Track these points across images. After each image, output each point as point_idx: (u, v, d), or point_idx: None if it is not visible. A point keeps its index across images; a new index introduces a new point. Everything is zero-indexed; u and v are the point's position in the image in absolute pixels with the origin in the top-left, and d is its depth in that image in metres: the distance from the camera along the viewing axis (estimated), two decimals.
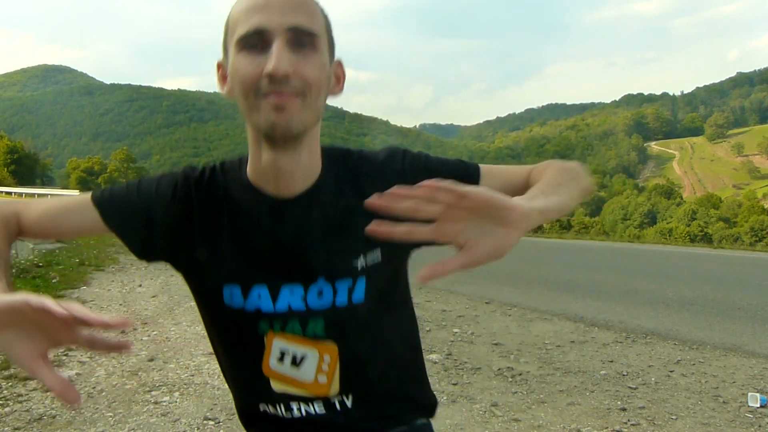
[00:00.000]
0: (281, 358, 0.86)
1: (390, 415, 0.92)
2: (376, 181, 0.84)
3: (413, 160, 0.90)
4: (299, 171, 0.82)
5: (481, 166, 0.96)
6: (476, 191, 0.61)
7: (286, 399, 0.88)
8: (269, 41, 0.73)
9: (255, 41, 0.73)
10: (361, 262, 0.85)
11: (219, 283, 0.86)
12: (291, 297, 0.84)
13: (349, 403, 0.89)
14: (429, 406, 0.98)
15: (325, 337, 0.85)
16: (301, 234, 0.84)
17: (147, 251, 0.92)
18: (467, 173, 0.93)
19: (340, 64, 0.85)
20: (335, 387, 0.87)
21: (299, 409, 0.88)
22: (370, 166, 0.88)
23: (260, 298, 0.84)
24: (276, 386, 0.87)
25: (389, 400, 0.92)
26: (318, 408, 0.88)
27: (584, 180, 0.88)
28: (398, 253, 0.89)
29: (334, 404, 0.88)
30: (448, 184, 0.60)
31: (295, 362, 0.86)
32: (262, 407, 0.90)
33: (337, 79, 0.84)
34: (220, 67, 0.83)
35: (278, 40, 0.73)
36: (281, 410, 0.88)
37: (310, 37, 0.75)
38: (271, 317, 0.84)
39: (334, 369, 0.86)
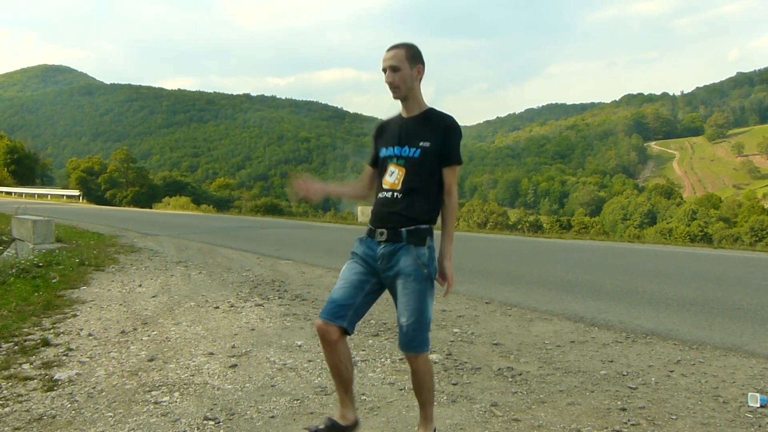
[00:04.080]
0: (388, 174, 2.40)
1: (410, 212, 2.34)
2: (438, 126, 2.37)
3: (451, 133, 2.38)
4: (410, 109, 2.43)
5: (452, 169, 2.40)
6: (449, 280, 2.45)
7: (385, 190, 2.39)
8: (386, 71, 2.36)
9: (384, 70, 2.37)
10: (422, 144, 2.34)
11: (381, 147, 2.47)
12: (398, 149, 2.38)
13: (398, 196, 2.35)
14: (429, 224, 2.38)
15: (403, 166, 2.36)
16: (409, 130, 2.40)
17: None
18: (449, 160, 2.40)
19: (419, 68, 2.38)
20: (399, 186, 2.35)
21: (384, 194, 2.39)
22: (437, 117, 2.40)
23: (388, 150, 2.42)
24: (384, 185, 2.41)
25: (411, 203, 2.34)
26: (391, 195, 2.37)
27: (456, 212, 2.44)
28: (433, 155, 2.35)
29: (394, 195, 2.36)
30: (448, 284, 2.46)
31: (392, 175, 2.38)
32: (379, 195, 2.42)
33: (417, 72, 2.37)
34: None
35: (388, 71, 2.35)
36: (380, 194, 2.42)
37: (396, 68, 2.34)
38: (390, 157, 2.40)
39: (401, 178, 2.36)
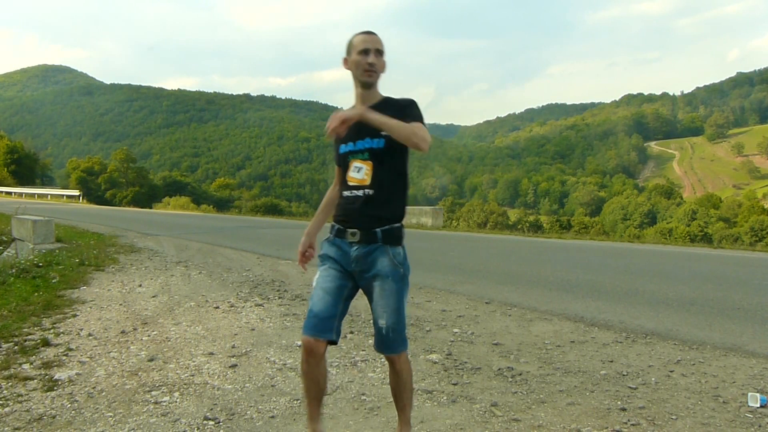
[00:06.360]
0: (353, 170, 2.25)
1: (384, 211, 2.23)
2: (395, 109, 2.19)
3: (411, 106, 2.24)
4: (371, 99, 2.26)
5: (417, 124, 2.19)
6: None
7: (350, 188, 2.25)
8: (370, 51, 2.22)
9: (366, 51, 2.22)
10: (382, 132, 2.16)
11: (339, 143, 2.30)
12: (360, 143, 2.24)
13: (370, 193, 2.21)
14: (398, 223, 2.28)
15: (368, 159, 2.23)
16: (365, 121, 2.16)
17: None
18: (413, 117, 2.20)
19: (385, 61, 2.29)
20: (368, 182, 2.22)
21: (352, 192, 2.25)
22: (395, 102, 2.27)
23: (347, 145, 2.27)
24: (350, 182, 2.26)
25: (385, 202, 2.23)
26: (362, 193, 2.22)
27: (418, 138, 2.13)
28: (397, 143, 2.17)
29: (365, 192, 2.22)
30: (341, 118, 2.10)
31: (359, 171, 2.24)
32: (344, 193, 2.28)
33: (383, 65, 2.29)
34: (346, 60, 2.27)
35: (372, 52, 2.22)
36: (348, 192, 2.26)
37: (381, 53, 2.26)
38: (353, 152, 2.26)
39: (370, 173, 2.22)
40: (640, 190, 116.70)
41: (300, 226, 17.99)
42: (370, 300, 2.28)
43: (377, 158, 2.22)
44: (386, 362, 3.82)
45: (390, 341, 2.26)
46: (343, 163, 2.29)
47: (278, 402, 3.13)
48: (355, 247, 2.24)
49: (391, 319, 2.23)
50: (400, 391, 2.40)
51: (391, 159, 2.24)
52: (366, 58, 2.22)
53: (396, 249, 2.25)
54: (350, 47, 2.27)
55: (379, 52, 2.25)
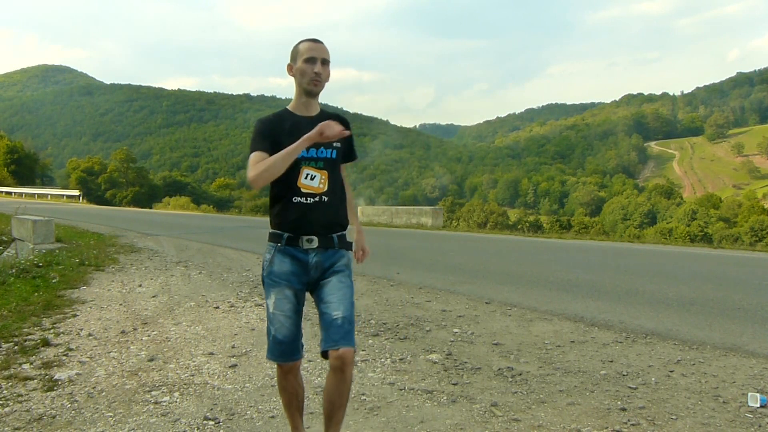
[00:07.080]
0: (306, 177, 2.24)
1: (338, 218, 2.31)
2: (343, 126, 2.21)
3: (350, 131, 2.29)
4: (313, 108, 2.32)
5: (345, 165, 2.44)
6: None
7: (304, 194, 2.23)
8: (316, 60, 2.23)
9: (312, 59, 2.23)
10: (335, 144, 2.29)
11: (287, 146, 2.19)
12: (313, 151, 2.24)
13: (326, 200, 2.26)
14: (345, 230, 2.35)
15: (323, 168, 2.27)
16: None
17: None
18: (351, 156, 2.44)
19: (329, 72, 2.33)
20: (324, 189, 2.25)
21: (307, 199, 2.23)
22: (339, 118, 2.31)
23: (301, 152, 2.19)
24: (303, 189, 2.23)
25: (338, 209, 2.31)
26: (314, 199, 2.24)
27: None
28: (340, 155, 2.34)
29: (321, 199, 2.25)
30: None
31: (313, 179, 2.25)
32: (295, 200, 2.22)
33: (328, 75, 2.32)
34: (291, 67, 2.28)
35: (319, 61, 2.24)
36: (302, 199, 2.23)
37: (327, 62, 2.27)
38: (305, 159, 2.23)
39: (325, 181, 2.26)
40: (640, 190, 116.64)
41: None
42: (322, 298, 2.25)
43: (331, 167, 2.29)
44: (386, 361, 3.83)
45: (346, 332, 2.18)
46: (293, 169, 2.20)
47: (278, 402, 3.13)
48: (313, 254, 2.25)
49: (347, 311, 2.21)
50: (342, 403, 2.26)
51: (338, 169, 2.36)
52: (313, 67, 2.23)
53: (349, 252, 2.36)
54: (296, 54, 2.27)
55: (325, 62, 2.26)
